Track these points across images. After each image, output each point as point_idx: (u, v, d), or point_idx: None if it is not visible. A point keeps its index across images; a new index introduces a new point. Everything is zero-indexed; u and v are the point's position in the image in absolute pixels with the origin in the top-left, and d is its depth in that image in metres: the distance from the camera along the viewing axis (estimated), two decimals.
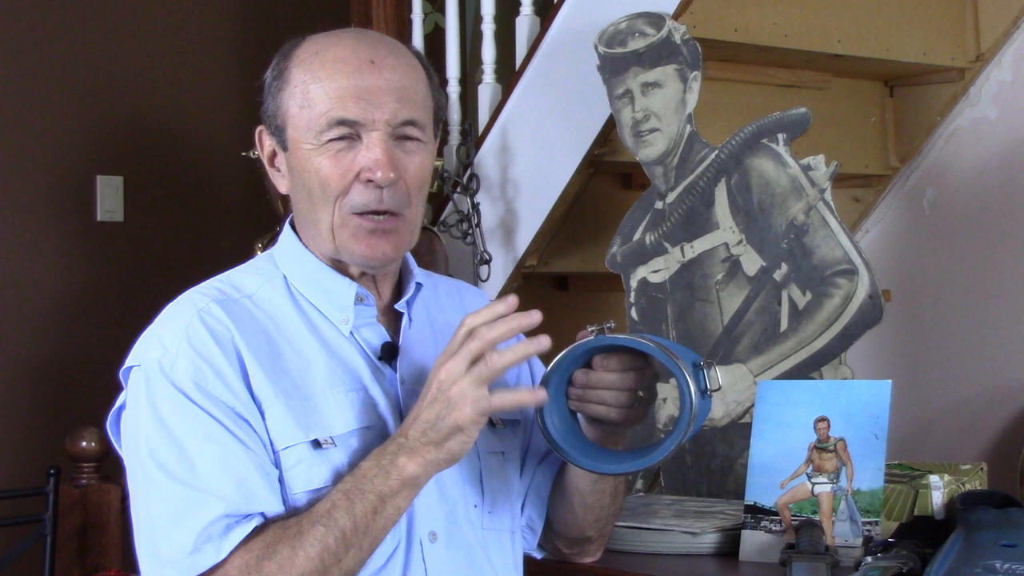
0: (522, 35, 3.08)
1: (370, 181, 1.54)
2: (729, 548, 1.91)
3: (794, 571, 1.68)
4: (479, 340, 1.44)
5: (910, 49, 3.03)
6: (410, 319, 1.65)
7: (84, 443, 2.99)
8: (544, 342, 1.46)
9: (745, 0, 2.76)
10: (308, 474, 1.50)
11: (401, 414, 1.57)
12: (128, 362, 1.55)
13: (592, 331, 1.55)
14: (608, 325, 1.54)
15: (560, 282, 3.31)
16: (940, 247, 3.20)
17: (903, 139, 3.23)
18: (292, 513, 1.48)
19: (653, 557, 1.94)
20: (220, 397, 1.48)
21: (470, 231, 2.99)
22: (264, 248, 3.08)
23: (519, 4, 3.10)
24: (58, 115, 3.82)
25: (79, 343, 3.77)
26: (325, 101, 1.54)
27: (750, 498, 1.87)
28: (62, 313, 3.78)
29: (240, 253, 3.35)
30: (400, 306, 1.64)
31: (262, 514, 1.46)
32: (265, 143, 1.62)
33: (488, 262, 2.97)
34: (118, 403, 1.57)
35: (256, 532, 1.45)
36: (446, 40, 3.29)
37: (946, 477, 1.89)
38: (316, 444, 1.50)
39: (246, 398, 1.49)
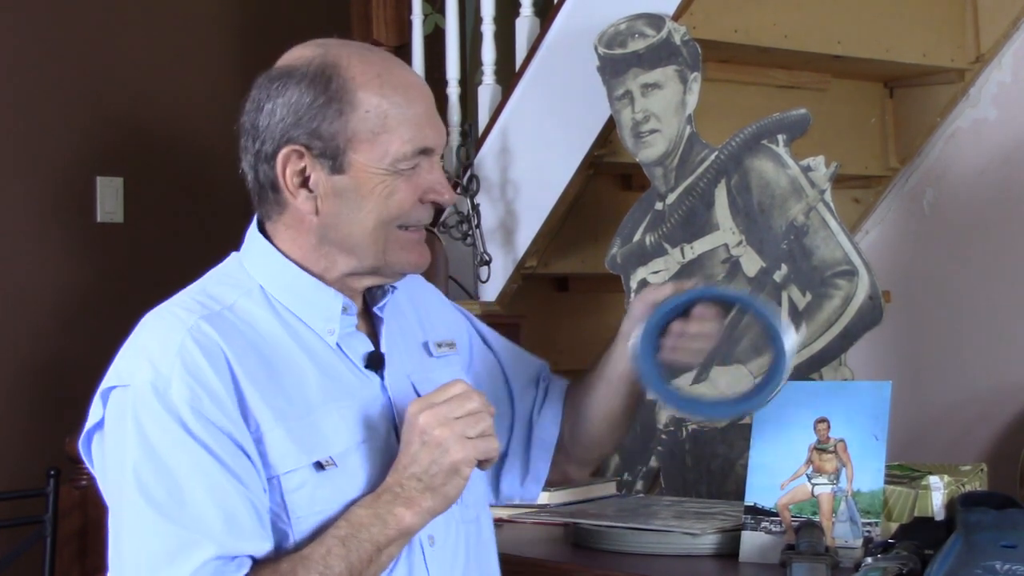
0: (522, 36, 3.08)
1: (434, 203, 1.57)
2: (729, 549, 1.91)
3: (794, 572, 1.68)
4: (472, 402, 1.49)
5: (910, 50, 3.03)
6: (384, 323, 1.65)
7: None
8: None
9: (745, 1, 2.76)
10: (312, 496, 1.48)
11: (395, 422, 1.56)
12: (110, 382, 1.50)
13: (694, 283, 1.66)
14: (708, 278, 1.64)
15: (560, 283, 3.31)
16: (940, 248, 3.20)
17: (903, 140, 3.23)
18: (293, 547, 1.46)
19: (653, 558, 1.94)
20: (217, 423, 1.44)
21: (470, 232, 2.99)
22: None
23: (519, 5, 3.10)
24: (58, 117, 3.82)
25: (79, 344, 3.77)
26: (408, 128, 1.53)
27: (750, 499, 1.87)
28: (62, 314, 3.78)
29: None
30: (380, 310, 1.63)
31: (251, 556, 1.44)
32: (293, 164, 1.55)
33: (488, 263, 2.97)
34: (91, 423, 1.53)
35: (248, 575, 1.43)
36: (446, 41, 3.29)
37: (946, 478, 1.89)
38: (318, 466, 1.49)
39: (241, 424, 1.46)
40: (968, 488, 1.91)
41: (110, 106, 3.91)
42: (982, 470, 2.00)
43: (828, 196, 2.34)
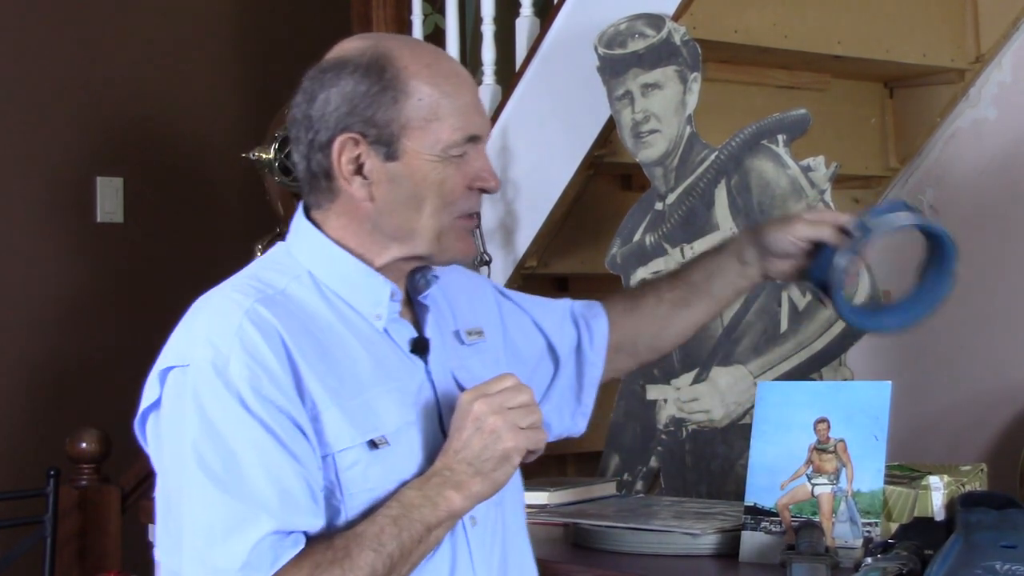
0: (522, 36, 3.08)
1: (482, 189, 1.63)
2: (729, 549, 1.91)
3: (794, 572, 1.68)
4: (524, 395, 1.54)
5: (910, 50, 3.03)
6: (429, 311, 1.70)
7: (84, 444, 2.99)
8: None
9: (745, 1, 2.76)
10: (364, 474, 1.53)
11: (439, 407, 1.61)
12: (168, 362, 1.53)
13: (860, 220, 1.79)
14: (865, 214, 1.81)
15: (560, 283, 3.31)
16: None
17: (903, 140, 3.23)
18: (344, 524, 1.51)
19: (653, 558, 1.94)
20: (275, 401, 1.48)
21: None
22: (264, 249, 3.08)
23: (519, 5, 3.10)
24: (58, 117, 3.82)
25: (79, 344, 3.77)
26: (458, 116, 1.59)
27: (750, 499, 1.87)
28: (62, 314, 3.79)
29: (240, 254, 3.35)
30: (424, 299, 1.68)
31: (304, 532, 1.48)
32: (348, 152, 1.59)
33: (488, 263, 2.97)
34: (147, 402, 1.56)
35: (302, 551, 1.46)
36: (446, 41, 3.29)
37: (946, 478, 1.89)
38: (372, 444, 1.54)
39: (298, 402, 1.50)
40: (968, 488, 1.91)
41: (110, 106, 3.92)
42: (982, 470, 2.00)
43: (828, 196, 2.34)
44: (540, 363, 1.88)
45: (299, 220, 1.66)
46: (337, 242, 1.62)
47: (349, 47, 1.61)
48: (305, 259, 1.63)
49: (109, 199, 3.89)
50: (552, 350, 1.89)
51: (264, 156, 3.02)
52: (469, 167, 1.61)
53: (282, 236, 3.23)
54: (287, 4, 4.26)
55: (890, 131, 3.24)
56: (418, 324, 1.67)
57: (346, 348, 1.57)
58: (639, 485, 2.52)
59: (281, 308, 1.54)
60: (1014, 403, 3.01)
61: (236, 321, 1.51)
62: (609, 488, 2.42)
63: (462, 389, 1.61)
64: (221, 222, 4.04)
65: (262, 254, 3.26)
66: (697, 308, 1.92)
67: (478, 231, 2.98)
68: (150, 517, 3.05)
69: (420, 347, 1.64)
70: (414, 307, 1.69)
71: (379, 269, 1.62)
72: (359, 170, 1.59)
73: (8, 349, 3.70)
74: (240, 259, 3.16)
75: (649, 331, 1.94)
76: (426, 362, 1.64)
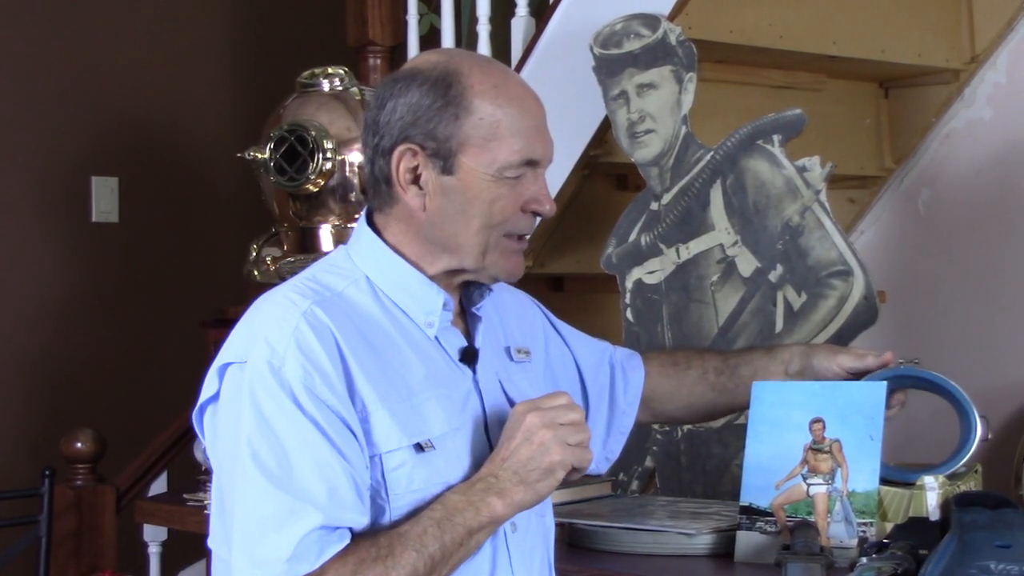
0: (518, 36, 3.08)
1: (535, 213, 1.67)
2: (724, 549, 1.91)
3: (789, 572, 1.68)
4: (576, 413, 1.58)
5: (905, 50, 3.03)
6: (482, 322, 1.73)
7: (79, 444, 2.99)
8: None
9: (741, 1, 2.77)
10: (409, 476, 1.56)
11: (484, 414, 1.65)
12: (227, 358, 1.58)
13: (901, 363, 1.90)
14: (915, 360, 1.92)
15: (556, 283, 3.31)
16: (935, 248, 3.20)
17: (898, 140, 3.24)
18: (389, 523, 1.54)
19: (648, 558, 1.94)
20: (326, 401, 1.52)
21: None
22: (260, 249, 3.07)
23: (514, 5, 3.10)
24: (53, 116, 3.81)
25: (74, 344, 3.77)
26: (518, 140, 1.62)
27: (745, 499, 1.88)
28: (57, 314, 3.78)
29: (235, 254, 3.36)
30: (477, 310, 1.71)
31: (349, 528, 1.52)
32: (407, 162, 1.63)
33: None
34: (205, 396, 1.60)
35: (348, 547, 1.50)
36: (442, 41, 3.29)
37: (941, 478, 1.89)
38: (418, 448, 1.57)
39: (349, 403, 1.54)
40: (963, 488, 1.91)
41: (106, 106, 3.91)
42: (977, 470, 2.00)
43: (823, 196, 2.35)
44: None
45: (360, 225, 1.70)
46: (395, 248, 1.66)
47: (423, 59, 1.66)
48: (363, 264, 1.66)
49: (104, 199, 3.88)
50: (584, 389, 1.94)
51: (259, 156, 3.00)
52: (524, 189, 1.64)
53: (278, 236, 3.22)
54: (283, 4, 4.26)
55: (885, 131, 3.24)
56: (469, 335, 1.70)
57: (398, 352, 1.60)
58: (634, 485, 2.52)
59: (337, 311, 1.58)
60: (1010, 403, 3.02)
61: (293, 322, 1.55)
62: (604, 488, 2.42)
63: (510, 400, 1.66)
64: (216, 222, 4.04)
65: (257, 254, 3.26)
66: (731, 399, 1.98)
67: None
68: (145, 517, 3.05)
69: (469, 356, 1.67)
70: (467, 318, 1.72)
71: (431, 278, 1.65)
72: (416, 180, 1.63)
73: (3, 349, 3.70)
74: (236, 259, 3.17)
75: (680, 401, 2.00)
76: (474, 371, 1.67)
